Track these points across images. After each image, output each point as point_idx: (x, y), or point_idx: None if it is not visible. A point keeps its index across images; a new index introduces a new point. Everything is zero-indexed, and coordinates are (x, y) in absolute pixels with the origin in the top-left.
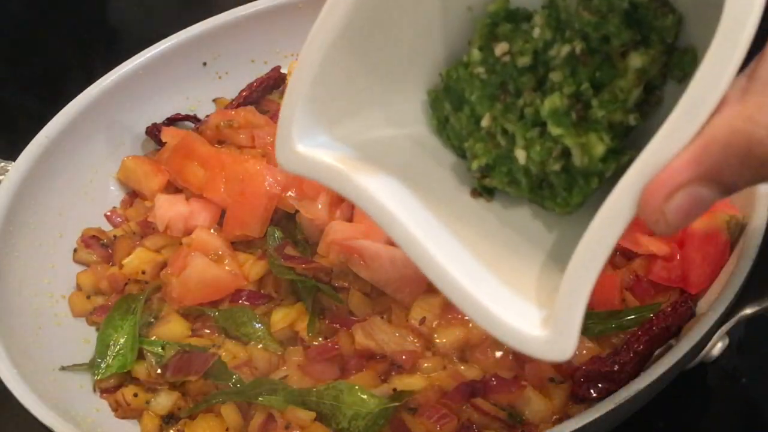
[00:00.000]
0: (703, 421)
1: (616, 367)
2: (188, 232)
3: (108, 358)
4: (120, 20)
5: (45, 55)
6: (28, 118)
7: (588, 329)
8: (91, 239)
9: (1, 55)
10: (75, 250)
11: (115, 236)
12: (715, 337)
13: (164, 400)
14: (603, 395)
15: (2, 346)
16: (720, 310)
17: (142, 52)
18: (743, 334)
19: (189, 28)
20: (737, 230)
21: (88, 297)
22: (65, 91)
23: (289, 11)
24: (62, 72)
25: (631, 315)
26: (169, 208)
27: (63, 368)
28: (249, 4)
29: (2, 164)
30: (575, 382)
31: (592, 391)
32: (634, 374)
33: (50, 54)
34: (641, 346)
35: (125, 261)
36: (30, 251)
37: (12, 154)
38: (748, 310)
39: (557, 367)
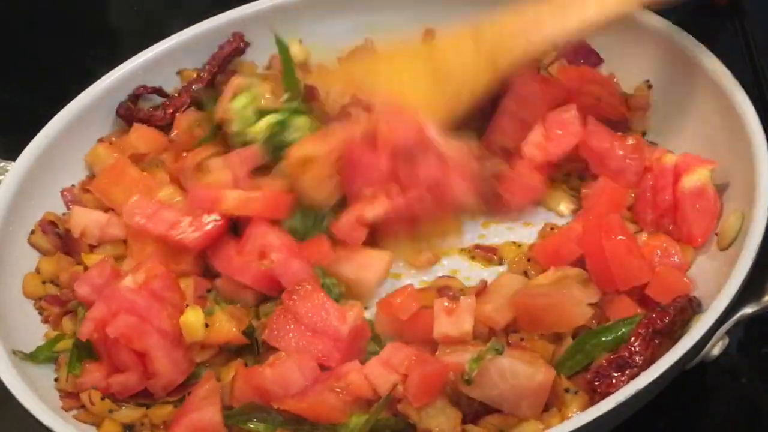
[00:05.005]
0: (703, 421)
1: (627, 355)
2: (103, 240)
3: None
4: (120, 20)
5: (45, 55)
6: (28, 118)
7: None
8: (49, 225)
9: (1, 55)
10: (32, 231)
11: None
12: (715, 337)
13: (130, 413)
14: (625, 382)
15: (2, 346)
16: (720, 309)
17: (142, 52)
18: (743, 334)
19: (189, 29)
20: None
21: (44, 283)
22: (65, 91)
23: (289, 11)
24: (62, 72)
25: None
26: (84, 215)
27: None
28: (249, 4)
29: (2, 164)
30: (590, 379)
31: (610, 381)
32: (651, 359)
33: (50, 54)
34: (651, 329)
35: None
36: (29, 251)
37: (12, 154)
38: (748, 310)
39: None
